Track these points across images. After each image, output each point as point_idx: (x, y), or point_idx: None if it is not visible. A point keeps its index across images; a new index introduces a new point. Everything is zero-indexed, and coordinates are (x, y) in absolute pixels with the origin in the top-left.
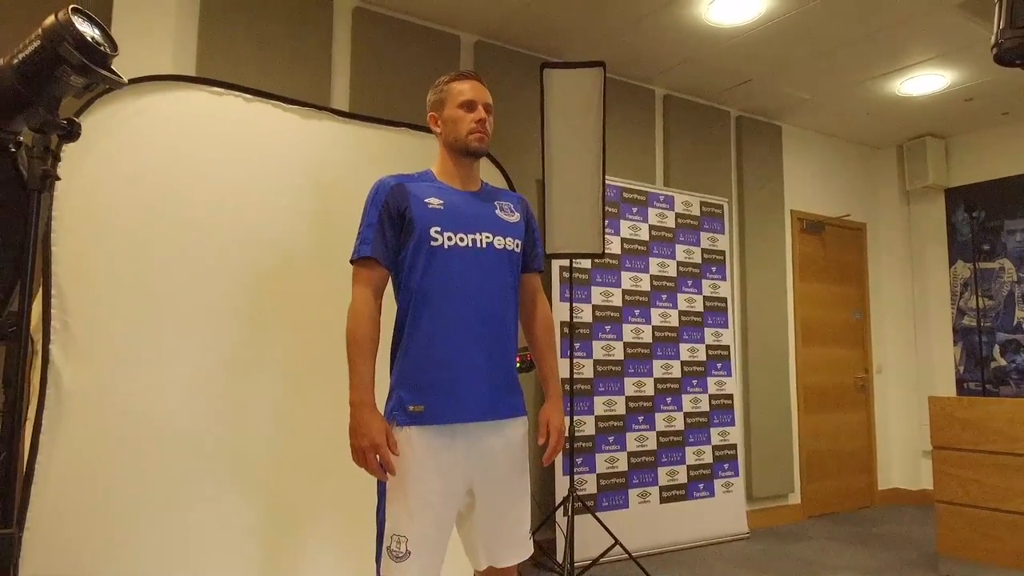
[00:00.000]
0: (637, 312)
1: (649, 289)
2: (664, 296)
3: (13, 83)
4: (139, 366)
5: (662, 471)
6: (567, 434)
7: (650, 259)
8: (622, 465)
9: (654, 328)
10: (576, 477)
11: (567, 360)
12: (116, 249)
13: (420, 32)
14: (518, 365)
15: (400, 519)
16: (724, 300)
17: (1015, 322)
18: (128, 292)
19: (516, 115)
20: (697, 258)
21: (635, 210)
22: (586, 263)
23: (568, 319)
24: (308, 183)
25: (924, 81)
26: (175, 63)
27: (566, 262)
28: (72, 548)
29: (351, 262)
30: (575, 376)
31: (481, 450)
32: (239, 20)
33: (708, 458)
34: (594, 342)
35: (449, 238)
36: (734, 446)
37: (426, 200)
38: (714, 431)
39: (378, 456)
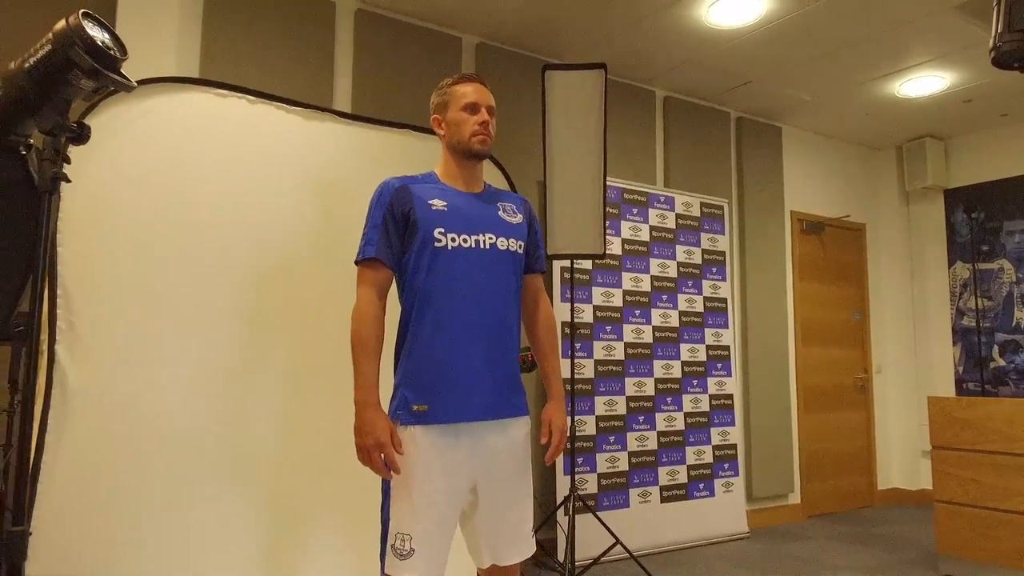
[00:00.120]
0: (638, 312)
1: (650, 290)
2: (664, 296)
3: (24, 86)
4: (143, 366)
5: (662, 471)
6: (568, 434)
7: (650, 260)
8: (623, 465)
9: (654, 328)
10: (577, 477)
11: (568, 360)
12: (120, 249)
13: (422, 34)
14: (520, 365)
15: (404, 517)
16: (724, 300)
17: (1014, 322)
18: (132, 292)
19: (517, 116)
20: (697, 259)
21: (635, 211)
22: (587, 264)
23: (569, 319)
24: (310, 184)
25: (924, 82)
26: (179, 65)
27: (567, 263)
28: (76, 547)
29: (356, 263)
30: (576, 376)
31: (484, 449)
32: (242, 22)
33: (708, 458)
34: (595, 342)
35: (453, 239)
36: (734, 446)
37: (430, 201)
38: (714, 431)
39: (383, 455)
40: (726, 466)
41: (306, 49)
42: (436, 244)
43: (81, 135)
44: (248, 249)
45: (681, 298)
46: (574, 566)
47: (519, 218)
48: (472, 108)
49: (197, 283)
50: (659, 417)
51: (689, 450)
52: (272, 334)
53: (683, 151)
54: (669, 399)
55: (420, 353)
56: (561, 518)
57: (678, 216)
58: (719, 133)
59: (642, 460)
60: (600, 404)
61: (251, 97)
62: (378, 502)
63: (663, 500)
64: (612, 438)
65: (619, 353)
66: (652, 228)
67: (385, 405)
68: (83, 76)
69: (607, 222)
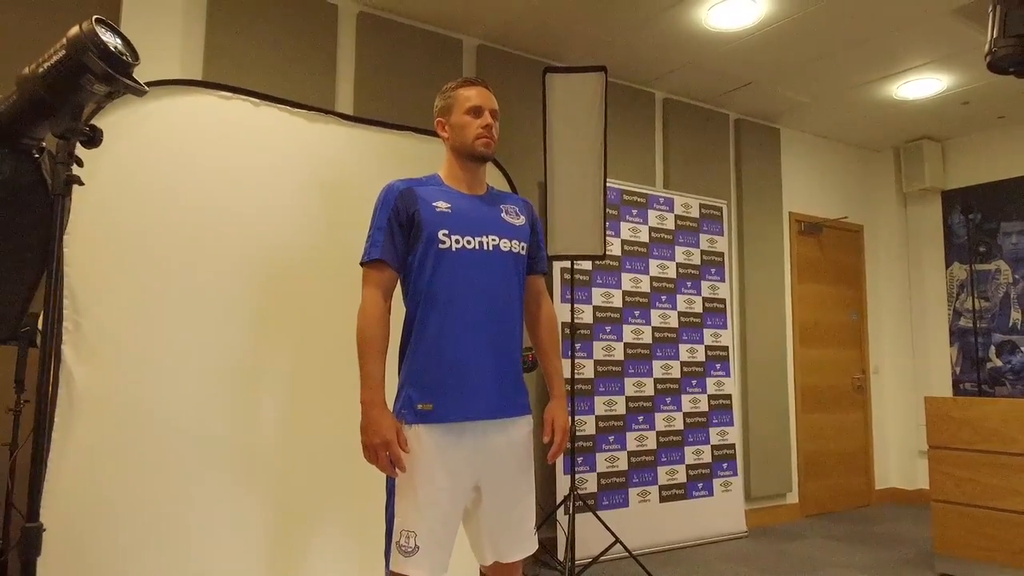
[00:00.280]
0: (637, 313)
1: (649, 290)
2: (664, 297)
3: (39, 91)
4: (149, 366)
5: (662, 470)
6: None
7: (650, 260)
8: (622, 464)
9: (654, 329)
10: (577, 476)
11: (568, 360)
12: (126, 250)
13: (423, 36)
14: (522, 364)
15: (409, 515)
16: (723, 301)
17: (1010, 323)
18: (138, 293)
19: (518, 118)
20: (696, 259)
21: (635, 212)
22: (587, 264)
23: (569, 320)
24: (314, 185)
25: (921, 85)
26: (182, 67)
27: (567, 263)
28: (81, 546)
29: (361, 264)
30: (576, 376)
31: (487, 448)
32: (245, 25)
33: (707, 458)
34: (595, 343)
35: (457, 241)
36: (733, 446)
37: (434, 204)
38: (713, 431)
39: (389, 453)
40: (725, 466)
41: (308, 51)
42: (440, 246)
43: (93, 138)
44: (252, 249)
45: (680, 299)
46: (574, 565)
47: (522, 220)
48: (476, 112)
49: (202, 284)
50: (658, 417)
51: (688, 450)
52: (277, 335)
53: (682, 153)
54: (668, 399)
55: (425, 353)
56: (561, 517)
57: (677, 217)
58: (718, 135)
59: (641, 460)
60: (600, 404)
61: (255, 99)
62: (382, 501)
63: (662, 499)
64: (612, 438)
65: (619, 353)
66: (651, 229)
67: (389, 404)
68: (96, 81)
69: (607, 223)
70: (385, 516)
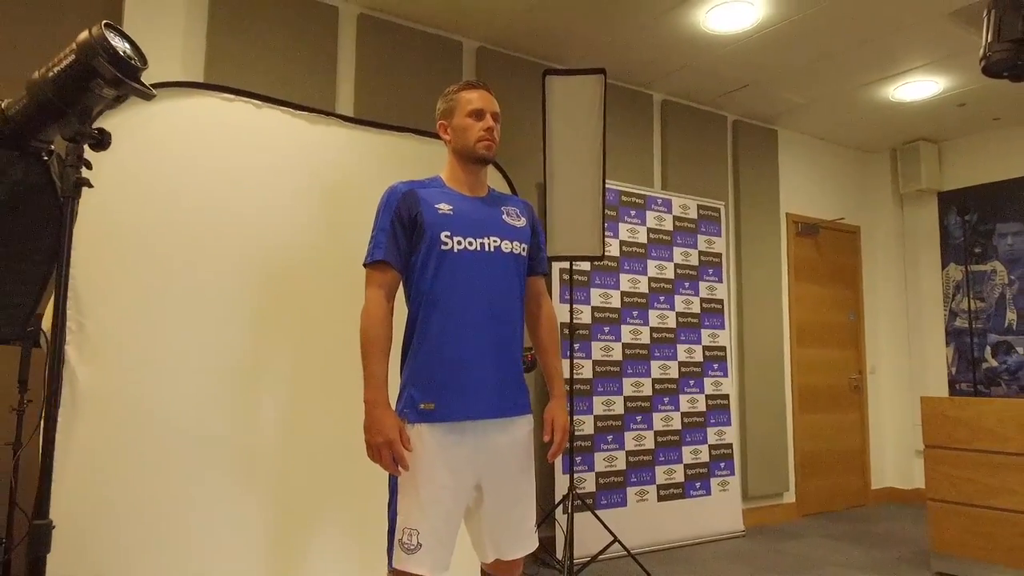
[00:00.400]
0: (635, 313)
1: (647, 291)
2: (662, 298)
3: (48, 94)
4: (151, 367)
5: (660, 470)
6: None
7: (648, 261)
8: (620, 464)
9: (652, 329)
10: (576, 476)
11: (567, 360)
12: (128, 252)
13: (423, 38)
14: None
15: (412, 513)
16: (721, 302)
17: (1006, 324)
18: (140, 294)
19: (517, 120)
20: (694, 260)
21: (633, 213)
22: (585, 265)
23: (568, 320)
24: (316, 187)
25: (917, 87)
26: (184, 69)
27: (566, 264)
28: (83, 545)
29: (364, 265)
30: (575, 376)
31: (489, 447)
32: (246, 27)
33: (705, 457)
34: (593, 343)
35: (459, 242)
36: (730, 445)
37: (436, 206)
38: (711, 431)
39: (392, 452)
40: (722, 465)
41: (309, 53)
42: (443, 247)
43: (102, 141)
44: (253, 250)
45: (678, 299)
46: (573, 563)
47: (522, 221)
48: (477, 114)
49: (204, 285)
50: (656, 417)
51: (686, 449)
52: (277, 335)
53: (680, 154)
54: (666, 399)
55: (427, 353)
56: (560, 516)
57: (675, 218)
58: (716, 136)
59: (639, 459)
60: (598, 404)
61: (257, 101)
62: (383, 501)
63: (660, 499)
64: (610, 437)
65: (617, 354)
66: (650, 230)
67: (392, 404)
68: (105, 85)
69: (605, 224)
70: (387, 514)
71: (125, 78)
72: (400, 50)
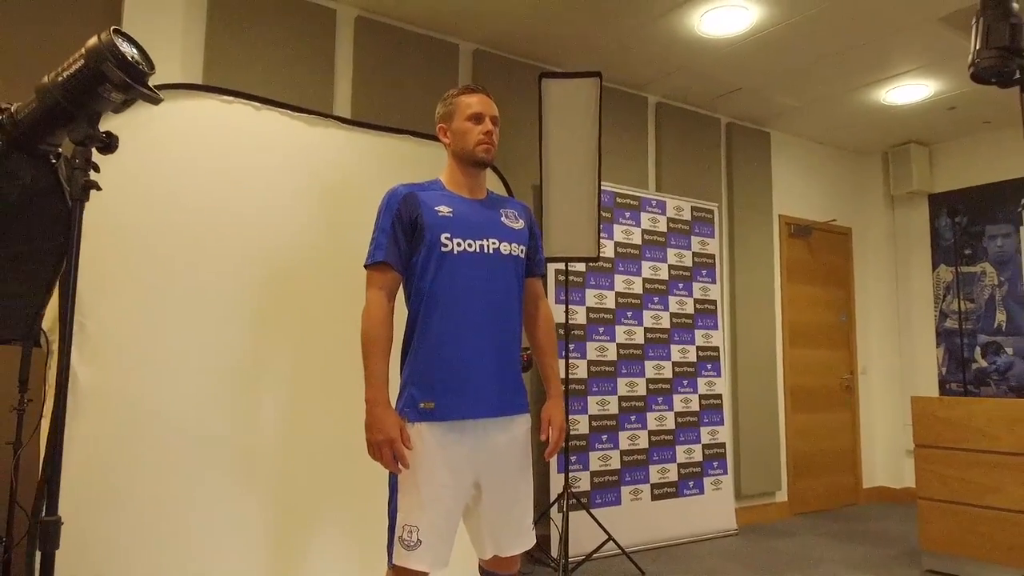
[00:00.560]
0: (630, 314)
1: (641, 292)
2: (656, 298)
3: (58, 98)
4: (151, 367)
5: (653, 469)
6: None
7: (642, 262)
8: (615, 463)
9: (646, 330)
10: (570, 475)
11: (562, 360)
12: (129, 252)
13: (420, 41)
14: None
15: (412, 510)
16: (714, 303)
17: (995, 324)
18: (141, 294)
19: (513, 122)
20: (688, 261)
21: (628, 215)
22: (581, 266)
23: (563, 321)
24: (314, 188)
25: (909, 90)
26: (183, 71)
27: (562, 265)
28: (83, 545)
29: (365, 267)
30: (570, 376)
31: (488, 445)
32: (244, 29)
33: (698, 456)
34: (588, 343)
35: (458, 244)
36: (723, 445)
37: (436, 208)
38: (704, 430)
39: (393, 450)
40: (715, 464)
41: (307, 54)
42: (443, 249)
43: (110, 144)
44: (253, 251)
45: (672, 300)
46: (568, 562)
47: (521, 224)
48: (477, 118)
49: (204, 285)
50: (650, 417)
51: (679, 449)
52: (277, 335)
53: (674, 156)
54: (660, 399)
55: (427, 353)
56: (555, 515)
57: (669, 220)
58: (710, 138)
59: (634, 459)
60: (593, 404)
61: (256, 103)
62: (383, 500)
63: (654, 498)
64: (604, 437)
65: (611, 354)
66: (644, 231)
67: (392, 403)
68: (114, 89)
69: (600, 225)
70: (388, 511)
71: (133, 83)
72: (397, 52)
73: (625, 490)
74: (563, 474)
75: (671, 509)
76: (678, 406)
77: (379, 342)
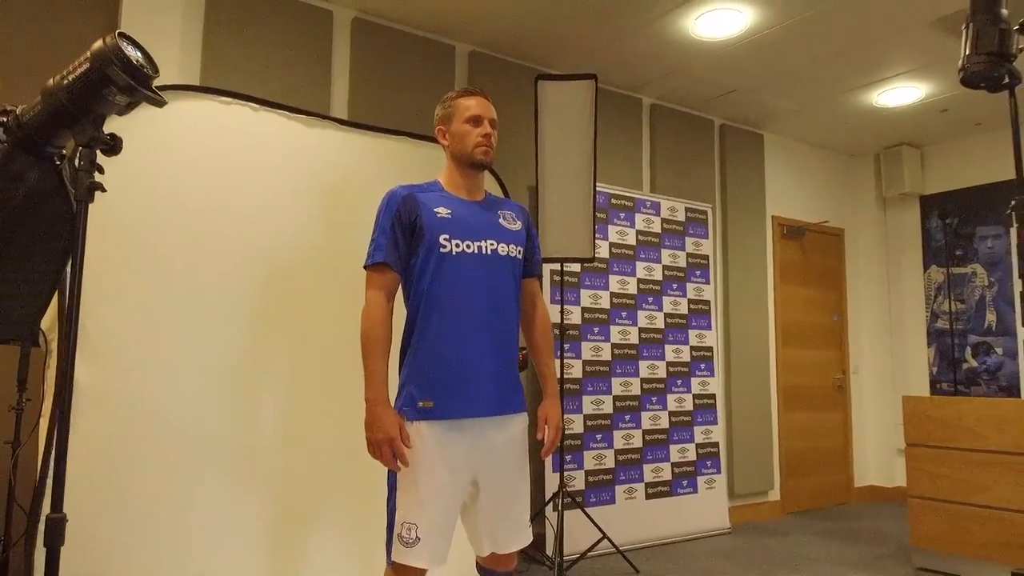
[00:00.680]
0: (624, 314)
1: (636, 292)
2: (650, 299)
3: (63, 101)
4: (151, 367)
5: (647, 468)
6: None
7: (637, 263)
8: (609, 462)
9: (640, 330)
10: (565, 474)
11: (558, 360)
12: (128, 253)
13: (417, 42)
14: None
15: (411, 508)
16: (708, 303)
17: (986, 325)
18: (140, 294)
19: (509, 124)
20: (682, 262)
21: (622, 215)
22: (575, 267)
23: (559, 321)
24: (312, 189)
25: (900, 93)
26: (181, 72)
27: (557, 266)
28: (83, 545)
29: (365, 267)
30: (565, 376)
31: (486, 444)
32: (242, 30)
33: (692, 456)
34: (583, 343)
35: (457, 245)
36: (716, 444)
37: (435, 209)
38: (697, 430)
39: (392, 449)
40: (709, 464)
41: (304, 56)
42: (441, 250)
43: (114, 147)
44: (253, 251)
45: (666, 300)
46: (562, 560)
47: (518, 225)
48: (475, 121)
49: (203, 285)
50: (644, 416)
51: (673, 448)
52: (277, 335)
53: (669, 157)
54: (654, 398)
55: (426, 352)
56: (550, 514)
57: (663, 221)
58: (704, 140)
59: (628, 458)
60: (588, 403)
61: (254, 104)
62: (382, 499)
63: (648, 496)
64: (599, 436)
65: (606, 354)
66: (638, 232)
67: (391, 402)
68: (118, 92)
69: (596, 226)
70: (387, 509)
71: (138, 86)
72: (394, 54)
73: (619, 489)
74: (558, 473)
75: (665, 508)
76: (672, 406)
77: (379, 342)
